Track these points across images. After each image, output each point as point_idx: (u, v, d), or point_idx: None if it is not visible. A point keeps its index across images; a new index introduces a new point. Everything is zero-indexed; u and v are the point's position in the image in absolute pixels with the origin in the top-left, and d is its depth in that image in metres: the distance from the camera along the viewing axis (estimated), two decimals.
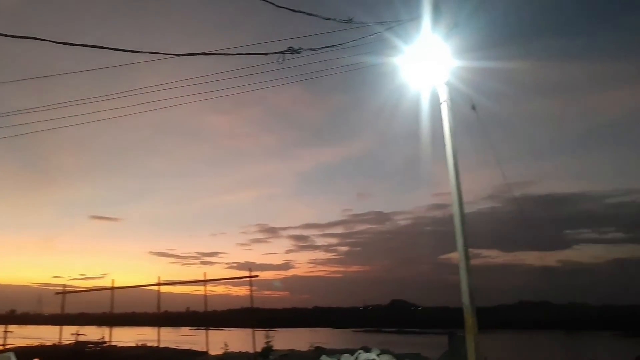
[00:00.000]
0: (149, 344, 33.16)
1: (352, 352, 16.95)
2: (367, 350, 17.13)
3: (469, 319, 10.98)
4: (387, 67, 11.98)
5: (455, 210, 11.38)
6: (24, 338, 40.67)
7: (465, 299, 11.00)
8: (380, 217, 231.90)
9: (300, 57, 10.36)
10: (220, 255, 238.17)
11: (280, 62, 10.02)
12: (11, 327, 34.41)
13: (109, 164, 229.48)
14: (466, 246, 11.27)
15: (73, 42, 8.52)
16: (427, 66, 11.48)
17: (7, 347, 29.24)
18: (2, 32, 7.77)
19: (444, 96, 11.58)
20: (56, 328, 30.94)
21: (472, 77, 11.99)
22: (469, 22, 11.50)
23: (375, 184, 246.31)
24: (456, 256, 11.40)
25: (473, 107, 12.11)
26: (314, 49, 9.92)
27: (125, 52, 9.24)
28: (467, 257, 11.23)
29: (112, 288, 29.26)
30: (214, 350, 24.42)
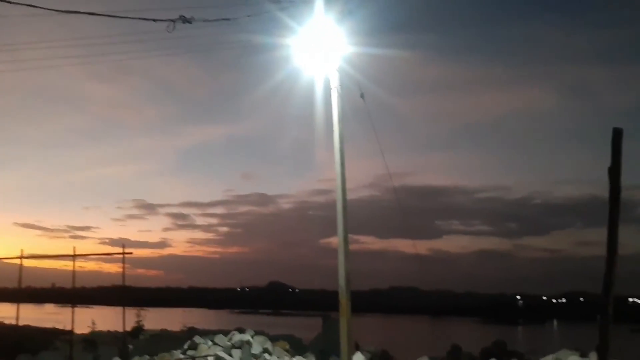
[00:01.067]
0: (6, 322, 30.92)
1: (226, 333, 16.82)
2: (241, 331, 17.06)
3: (344, 302, 11.21)
4: (281, 49, 11.80)
5: (338, 196, 11.52)
6: None
7: (342, 282, 11.21)
8: (263, 199, 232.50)
9: (192, 29, 9.94)
10: (92, 229, 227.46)
11: (170, 31, 9.53)
12: None
13: None
14: (346, 232, 11.48)
15: None
16: (319, 51, 11.45)
17: None
18: None
19: (334, 82, 11.62)
20: None
21: (363, 65, 12.12)
22: (363, 8, 11.55)
23: (260, 166, 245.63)
24: (336, 241, 11.59)
25: (362, 96, 12.24)
26: (207, 20, 9.53)
27: None
28: (347, 242, 11.44)
29: None
30: (81, 329, 23.23)
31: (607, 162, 7.27)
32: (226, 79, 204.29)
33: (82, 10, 9.06)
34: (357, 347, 17.05)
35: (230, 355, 15.44)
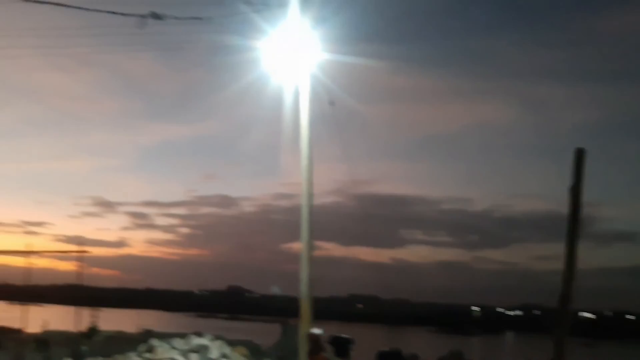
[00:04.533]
0: None
1: (183, 336, 16.57)
2: (199, 335, 16.85)
3: (305, 308, 11.16)
4: (253, 51, 11.73)
5: (304, 201, 11.46)
6: None
7: (304, 287, 11.16)
8: (226, 201, 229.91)
9: (162, 25, 9.78)
10: (46, 225, 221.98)
11: (140, 27, 9.35)
12: None
13: None
14: (311, 237, 11.44)
15: None
16: (292, 55, 11.42)
17: None
18: None
19: (305, 87, 11.60)
20: None
21: (333, 71, 12.14)
22: (337, 15, 11.59)
23: (224, 167, 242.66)
24: (297, 246, 11.54)
25: (331, 103, 12.24)
26: (178, 18, 9.38)
27: None
28: (311, 248, 11.39)
29: None
30: (32, 328, 22.58)
31: (566, 177, 7.44)
32: (193, 77, 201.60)
33: (49, 1, 8.82)
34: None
35: (188, 359, 15.22)
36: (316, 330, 8.87)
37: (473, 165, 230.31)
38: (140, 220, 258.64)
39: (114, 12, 9.40)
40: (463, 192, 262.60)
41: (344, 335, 19.77)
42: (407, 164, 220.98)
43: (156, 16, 9.27)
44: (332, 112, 12.45)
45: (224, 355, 15.78)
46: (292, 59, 11.51)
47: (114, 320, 35.60)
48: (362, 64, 13.87)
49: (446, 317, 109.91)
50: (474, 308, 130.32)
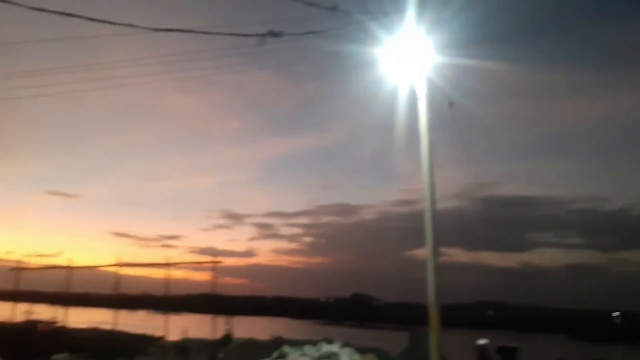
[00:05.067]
0: (102, 327, 32.53)
1: (313, 343, 16.82)
2: (329, 342, 17.04)
3: (434, 316, 10.92)
4: (365, 58, 11.79)
5: (426, 207, 11.28)
6: None
7: (431, 296, 10.94)
8: (346, 209, 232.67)
9: (279, 42, 10.10)
10: (181, 238, 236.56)
11: (259, 46, 9.72)
12: None
13: (67, 140, 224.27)
14: (435, 243, 11.21)
15: (45, 8, 8.09)
16: (407, 60, 11.34)
17: None
18: None
19: (422, 91, 11.46)
20: (5, 305, 30.04)
21: (449, 74, 11.91)
22: (452, 19, 11.41)
23: (342, 176, 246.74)
24: (421, 253, 11.35)
25: (450, 105, 12.02)
26: (295, 34, 9.65)
27: (91, 24, 8.86)
28: (436, 255, 11.15)
29: (69, 267, 28.56)
30: (172, 336, 24.03)
31: None
32: (309, 90, 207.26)
33: (179, 28, 9.41)
34: None
35: None
36: (482, 341, 8.67)
37: (601, 162, 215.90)
38: (266, 231, 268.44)
39: (234, 34, 9.85)
40: (594, 191, 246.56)
41: (509, 345, 19.21)
42: (533, 163, 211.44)
43: (274, 34, 9.59)
44: (451, 115, 12.20)
45: None
46: (409, 64, 11.43)
47: (246, 328, 37.01)
48: (479, 66, 13.47)
49: (583, 324, 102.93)
50: (615, 314, 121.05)
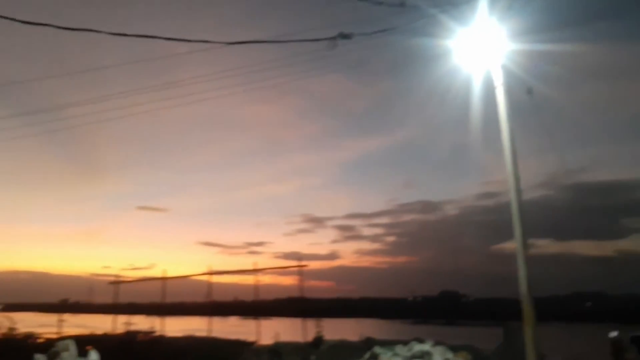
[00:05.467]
0: (197, 334, 33.67)
1: (405, 343, 16.71)
2: (420, 341, 16.87)
3: (527, 310, 10.63)
4: (437, 52, 11.65)
5: (512, 197, 11.01)
6: (76, 327, 41.80)
7: (523, 288, 10.65)
8: (427, 206, 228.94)
9: (349, 44, 10.15)
10: (266, 244, 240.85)
11: (330, 49, 9.82)
12: (64, 316, 35.39)
13: (154, 156, 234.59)
14: (524, 235, 10.91)
15: (126, 33, 8.55)
16: (481, 49, 11.11)
17: (62, 335, 30.15)
18: (57, 25, 7.83)
19: (499, 80, 11.20)
20: (106, 317, 31.63)
21: (525, 61, 11.56)
22: (525, 5, 11.07)
23: (421, 173, 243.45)
24: (508, 246, 11.17)
25: (529, 91, 11.65)
26: (365, 34, 9.67)
27: (168, 44, 9.25)
28: (525, 246, 10.87)
29: (164, 278, 29.79)
30: (264, 340, 24.53)
31: None
32: (382, 88, 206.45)
33: (249, 40, 9.66)
34: (542, 358, 16.04)
35: None
36: (614, 334, 8.37)
37: None
38: (348, 233, 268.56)
39: (305, 40, 10.00)
40: None
41: None
42: (622, 146, 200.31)
43: (344, 36, 9.67)
44: (530, 102, 11.83)
45: None
46: (483, 53, 11.20)
47: (335, 330, 37.20)
48: (555, 50, 12.97)
49: None
50: None
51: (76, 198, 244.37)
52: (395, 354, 15.82)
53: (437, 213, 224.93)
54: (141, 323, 38.58)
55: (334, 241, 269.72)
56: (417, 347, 15.93)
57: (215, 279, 31.87)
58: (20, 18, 8.26)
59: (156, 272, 34.54)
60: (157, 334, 30.91)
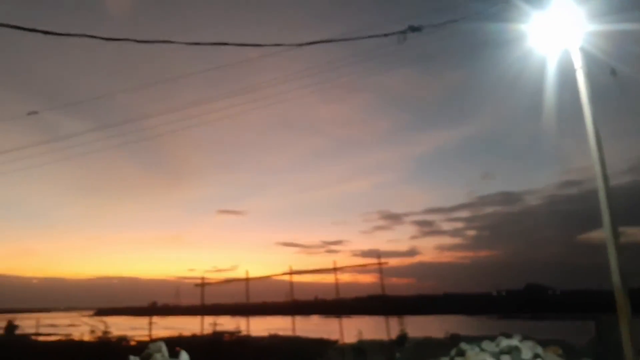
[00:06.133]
0: (281, 333, 34.21)
1: (491, 339, 16.32)
2: (507, 336, 16.41)
3: (621, 301, 10.14)
4: (509, 36, 11.31)
5: (599, 184, 10.56)
6: (166, 328, 43.48)
7: (616, 279, 10.18)
8: (508, 197, 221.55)
9: (419, 36, 10.05)
10: (344, 243, 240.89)
11: (401, 42, 9.76)
12: (154, 319, 36.87)
13: (230, 161, 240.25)
14: (614, 223, 10.43)
15: (200, 42, 8.83)
16: (558, 31, 10.70)
17: (153, 337, 31.42)
18: (133, 39, 8.19)
19: (578, 62, 10.76)
20: (193, 318, 32.64)
21: (604, 42, 11.03)
22: None
23: (500, 163, 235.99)
24: (596, 235, 10.69)
25: (613, 73, 11.10)
26: (435, 25, 9.54)
27: (240, 49, 9.47)
28: (616, 234, 10.39)
29: (246, 279, 30.47)
30: (347, 339, 24.61)
31: None
32: (453, 79, 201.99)
33: (319, 40, 9.75)
34: None
35: None
36: None
37: None
38: (427, 228, 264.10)
39: (374, 36, 9.98)
40: None
41: None
42: None
43: (414, 29, 9.58)
44: (614, 84, 11.28)
45: (536, 356, 15.11)
46: (559, 36, 10.79)
47: (418, 327, 36.83)
48: (637, 29, 12.30)
49: None
50: None
51: (160, 205, 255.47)
52: (483, 350, 15.49)
53: (518, 204, 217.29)
54: (227, 323, 39.66)
55: (413, 237, 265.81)
56: (505, 343, 15.51)
57: (296, 278, 32.21)
58: (100, 35, 8.71)
59: (239, 274, 35.41)
60: (243, 333, 31.66)
